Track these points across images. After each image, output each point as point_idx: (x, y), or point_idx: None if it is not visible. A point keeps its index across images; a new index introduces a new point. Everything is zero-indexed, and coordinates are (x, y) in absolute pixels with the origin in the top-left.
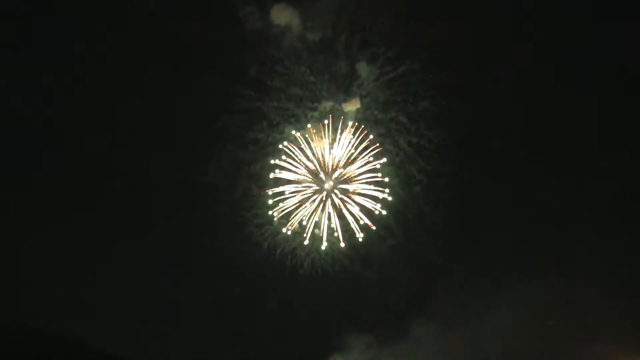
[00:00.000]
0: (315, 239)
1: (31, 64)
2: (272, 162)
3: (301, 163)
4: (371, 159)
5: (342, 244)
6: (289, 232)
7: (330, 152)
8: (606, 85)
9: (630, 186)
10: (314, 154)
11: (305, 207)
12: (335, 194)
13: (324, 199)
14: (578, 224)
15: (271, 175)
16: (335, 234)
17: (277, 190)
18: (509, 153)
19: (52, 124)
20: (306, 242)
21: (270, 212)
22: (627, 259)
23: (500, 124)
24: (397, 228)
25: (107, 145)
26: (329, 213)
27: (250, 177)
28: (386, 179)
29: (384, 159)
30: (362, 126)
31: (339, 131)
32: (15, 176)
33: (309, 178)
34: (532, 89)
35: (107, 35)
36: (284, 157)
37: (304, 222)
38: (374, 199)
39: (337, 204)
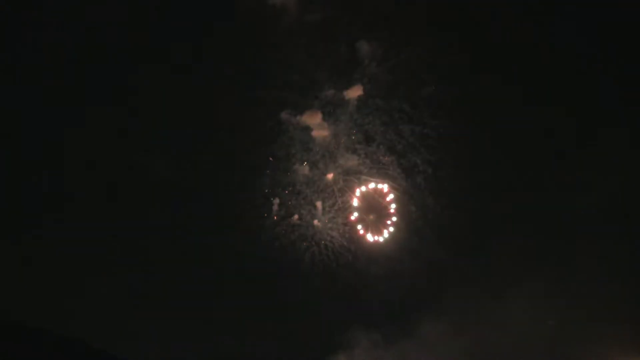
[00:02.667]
0: (316, 231)
1: None
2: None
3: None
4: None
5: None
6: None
7: (331, 143)
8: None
9: (632, 187)
10: (314, 145)
11: (306, 199)
12: (337, 187)
13: (324, 191)
14: (579, 224)
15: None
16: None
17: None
18: (516, 146)
19: None
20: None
21: (266, 214)
22: (627, 258)
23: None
24: (400, 222)
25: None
26: (331, 205)
27: (246, 170)
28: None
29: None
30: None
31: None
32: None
33: (308, 171)
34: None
35: None
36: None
37: (305, 216)
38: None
39: (339, 196)
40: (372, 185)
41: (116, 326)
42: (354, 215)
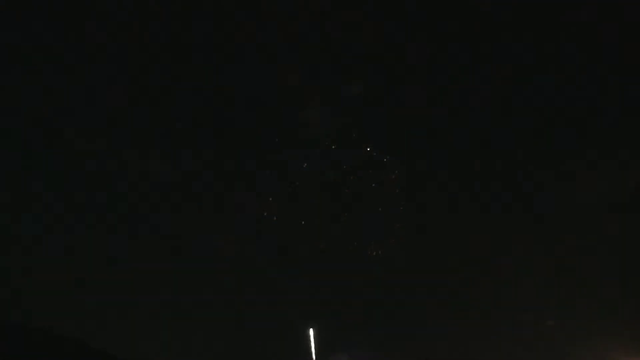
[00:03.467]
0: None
1: None
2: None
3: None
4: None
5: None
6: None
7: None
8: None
9: (633, 185)
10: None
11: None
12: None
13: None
14: (578, 222)
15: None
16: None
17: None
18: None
19: None
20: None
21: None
22: (627, 258)
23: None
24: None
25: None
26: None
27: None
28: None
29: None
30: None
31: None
32: (14, 175)
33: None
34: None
35: None
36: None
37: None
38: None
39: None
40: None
41: (116, 326)
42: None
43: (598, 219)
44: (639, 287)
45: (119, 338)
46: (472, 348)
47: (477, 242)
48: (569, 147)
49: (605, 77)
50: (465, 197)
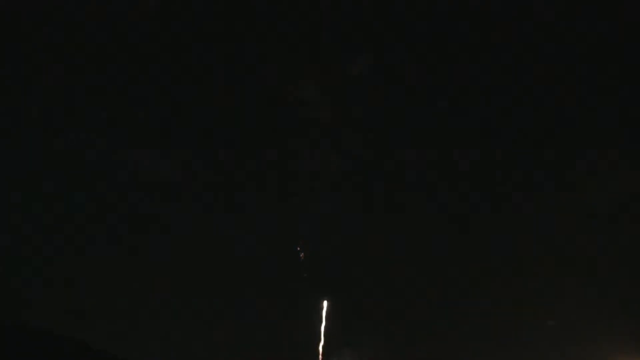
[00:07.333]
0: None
1: None
2: None
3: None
4: None
5: None
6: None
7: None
8: None
9: (632, 186)
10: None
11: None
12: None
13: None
14: (578, 222)
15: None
16: None
17: None
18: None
19: None
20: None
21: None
22: (627, 258)
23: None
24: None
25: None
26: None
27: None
28: None
29: None
30: None
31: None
32: (15, 177)
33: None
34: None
35: None
36: None
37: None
38: None
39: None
40: None
41: (116, 326)
42: None
43: (599, 221)
44: (638, 287)
45: (119, 338)
46: (473, 348)
47: (478, 242)
48: (569, 150)
49: None
50: (466, 196)
